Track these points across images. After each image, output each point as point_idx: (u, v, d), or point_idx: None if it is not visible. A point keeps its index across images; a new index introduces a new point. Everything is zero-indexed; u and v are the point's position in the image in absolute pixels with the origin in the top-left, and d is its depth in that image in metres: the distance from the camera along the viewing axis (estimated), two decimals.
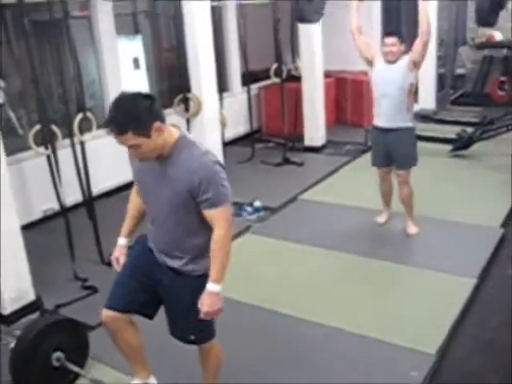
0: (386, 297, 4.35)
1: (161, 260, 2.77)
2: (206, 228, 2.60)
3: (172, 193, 2.54)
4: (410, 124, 4.97)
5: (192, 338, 2.83)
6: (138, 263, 2.87)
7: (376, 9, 9.91)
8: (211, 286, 2.60)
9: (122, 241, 2.93)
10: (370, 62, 5.01)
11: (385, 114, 4.95)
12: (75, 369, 3.30)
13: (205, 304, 2.60)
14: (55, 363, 3.26)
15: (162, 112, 2.49)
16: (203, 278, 2.63)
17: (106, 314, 2.84)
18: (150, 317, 2.92)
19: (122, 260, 2.90)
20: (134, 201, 2.90)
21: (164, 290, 2.79)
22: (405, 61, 4.79)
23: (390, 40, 4.78)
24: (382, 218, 5.55)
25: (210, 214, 2.54)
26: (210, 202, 2.51)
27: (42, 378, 3.26)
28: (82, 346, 3.47)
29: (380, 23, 9.93)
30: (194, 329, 2.80)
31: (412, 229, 5.28)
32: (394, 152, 5.04)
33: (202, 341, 2.87)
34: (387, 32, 4.88)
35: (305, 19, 6.67)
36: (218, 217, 2.54)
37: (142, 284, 2.83)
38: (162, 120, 2.47)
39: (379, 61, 4.93)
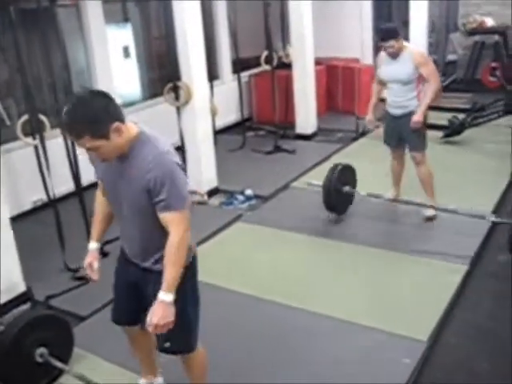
0: (378, 284, 4.35)
1: (135, 262, 2.71)
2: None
3: (132, 192, 2.45)
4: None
5: (166, 345, 2.66)
6: (121, 278, 2.84)
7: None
8: (164, 296, 2.40)
9: (93, 245, 2.79)
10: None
11: (395, 102, 5.13)
12: (59, 364, 3.26)
13: (156, 315, 2.40)
14: (39, 359, 3.22)
15: (120, 111, 2.37)
16: None
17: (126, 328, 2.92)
18: None
19: (96, 264, 2.75)
20: (100, 202, 2.79)
21: (142, 292, 2.70)
22: (409, 55, 4.94)
23: (388, 43, 4.92)
24: (390, 194, 5.55)
25: (163, 216, 2.42)
26: (164, 205, 2.39)
27: (25, 374, 3.22)
28: (66, 341, 3.43)
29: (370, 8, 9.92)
30: (169, 334, 2.54)
31: (429, 211, 5.29)
32: (406, 135, 5.17)
33: (178, 350, 2.73)
34: (383, 37, 4.99)
35: None
36: (172, 221, 2.40)
37: (131, 294, 2.79)
38: (121, 119, 2.35)
39: (382, 56, 5.13)
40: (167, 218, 2.40)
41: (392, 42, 4.90)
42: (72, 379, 3.21)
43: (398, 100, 5.08)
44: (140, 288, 2.71)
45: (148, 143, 2.43)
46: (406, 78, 4.96)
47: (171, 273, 2.41)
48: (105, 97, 2.34)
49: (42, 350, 3.22)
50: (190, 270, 2.60)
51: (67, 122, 2.31)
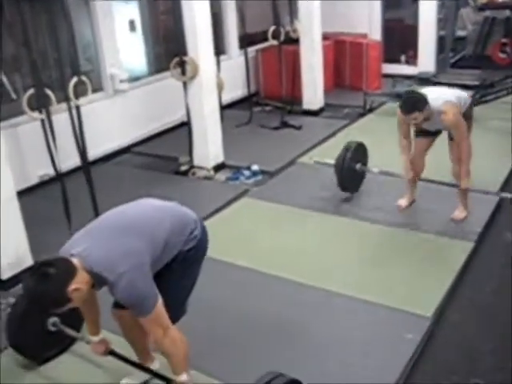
0: (383, 260, 4.36)
1: None
2: None
3: None
4: None
5: None
6: None
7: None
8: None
9: (98, 337, 3.02)
10: None
11: None
12: (72, 332, 3.31)
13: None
14: (51, 328, 3.27)
15: (69, 267, 2.43)
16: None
17: (113, 311, 2.96)
18: None
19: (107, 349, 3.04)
20: (87, 308, 2.91)
21: None
22: (438, 120, 4.40)
23: (411, 116, 4.32)
24: (403, 201, 5.14)
25: (140, 320, 2.59)
26: (135, 313, 2.59)
27: (39, 343, 3.29)
28: (77, 310, 3.46)
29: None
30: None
31: (459, 212, 4.83)
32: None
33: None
34: (406, 109, 4.33)
35: None
36: (145, 325, 2.59)
37: None
38: (72, 275, 2.41)
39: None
40: (141, 321, 2.59)
41: (416, 115, 4.28)
42: (85, 346, 3.23)
43: None
44: None
45: (98, 272, 2.47)
46: (444, 129, 4.59)
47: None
48: (51, 265, 2.41)
49: (54, 319, 3.27)
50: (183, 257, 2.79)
51: (32, 301, 2.50)
